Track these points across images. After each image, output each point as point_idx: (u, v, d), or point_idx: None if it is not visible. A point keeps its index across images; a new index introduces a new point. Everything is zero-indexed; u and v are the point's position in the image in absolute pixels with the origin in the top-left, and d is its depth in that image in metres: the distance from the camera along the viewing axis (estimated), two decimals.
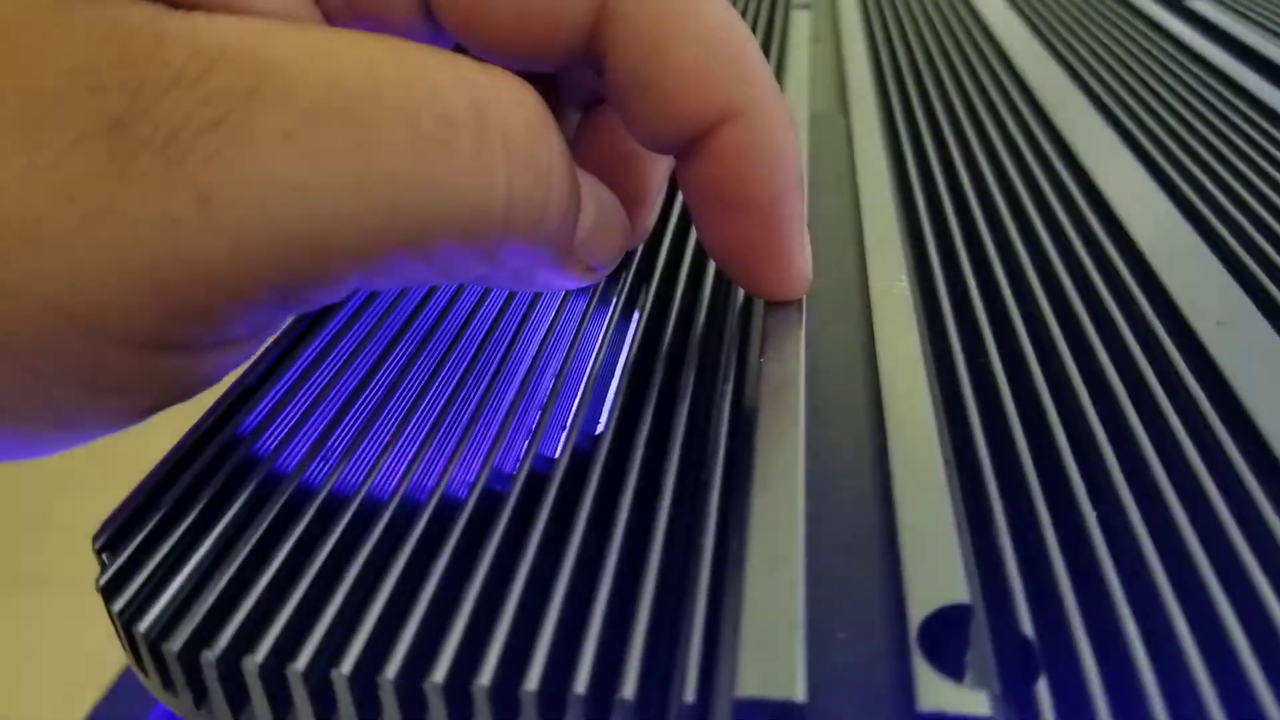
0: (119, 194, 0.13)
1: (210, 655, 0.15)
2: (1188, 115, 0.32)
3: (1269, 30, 0.40)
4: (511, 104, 0.15)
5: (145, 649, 0.15)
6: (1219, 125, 0.31)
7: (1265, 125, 0.31)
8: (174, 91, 0.13)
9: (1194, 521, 0.15)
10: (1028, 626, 0.14)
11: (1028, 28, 0.42)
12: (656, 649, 0.14)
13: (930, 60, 0.38)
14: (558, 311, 0.23)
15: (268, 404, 0.20)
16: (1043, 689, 0.13)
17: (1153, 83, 0.35)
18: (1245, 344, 0.20)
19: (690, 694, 0.13)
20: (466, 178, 0.14)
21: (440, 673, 0.14)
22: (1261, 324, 0.21)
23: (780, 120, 0.17)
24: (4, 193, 0.13)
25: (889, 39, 0.41)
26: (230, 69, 0.13)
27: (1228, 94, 0.34)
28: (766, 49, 0.39)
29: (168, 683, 0.15)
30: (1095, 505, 0.16)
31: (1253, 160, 0.29)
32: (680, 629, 0.15)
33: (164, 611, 0.15)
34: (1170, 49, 0.39)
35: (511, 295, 0.24)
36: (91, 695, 0.53)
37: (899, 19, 0.44)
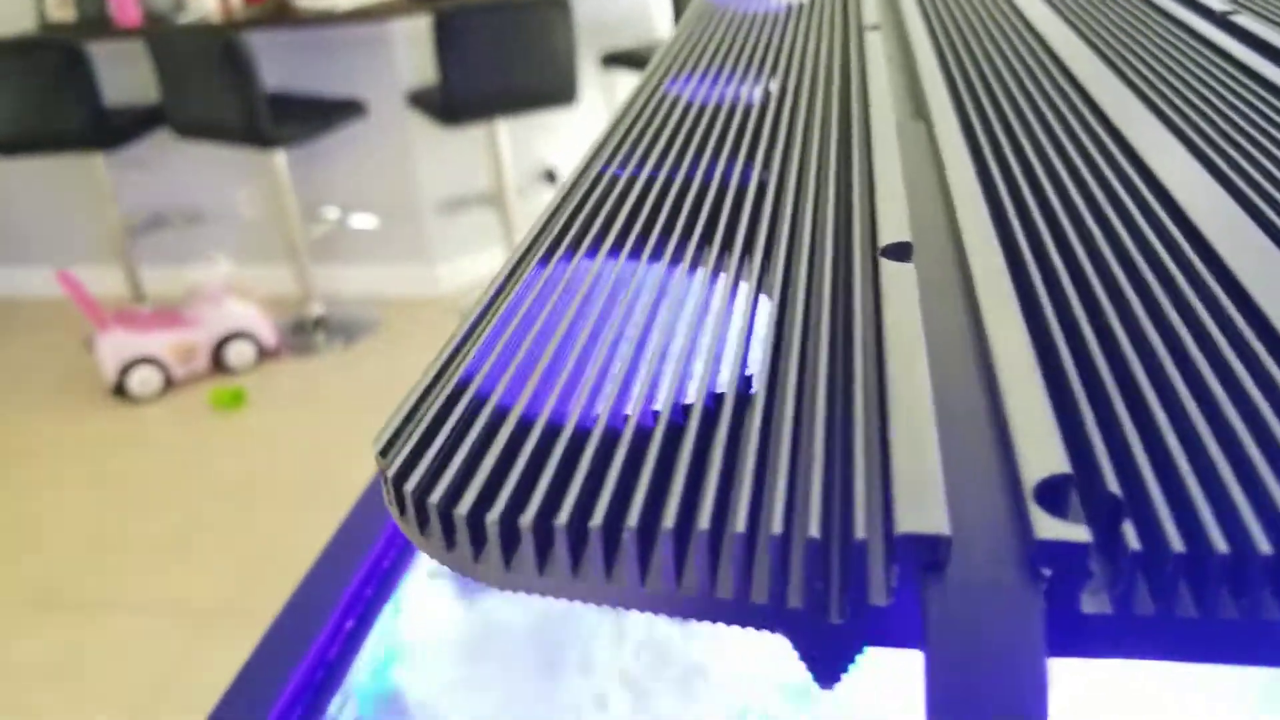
0: None
1: (461, 510, 0.19)
2: (1222, 106, 0.36)
3: None
4: None
5: (433, 513, 0.20)
6: (1248, 113, 0.36)
7: None
8: None
9: (1231, 397, 0.20)
10: (1113, 486, 0.18)
11: (1079, 37, 0.47)
12: (830, 505, 0.19)
13: (996, 70, 0.43)
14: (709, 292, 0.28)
15: (486, 351, 0.25)
16: (1129, 529, 0.17)
17: (1192, 81, 0.39)
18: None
19: (860, 531, 0.18)
20: None
21: (652, 518, 0.19)
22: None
23: None
24: None
25: (956, 53, 0.46)
26: None
27: (1258, 89, 0.38)
28: (847, 68, 0.44)
29: (452, 544, 0.20)
30: (1158, 392, 0.20)
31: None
32: (849, 493, 0.19)
33: (448, 487, 0.20)
34: (1209, 54, 0.43)
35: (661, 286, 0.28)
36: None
37: (963, 35, 0.48)
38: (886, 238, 0.28)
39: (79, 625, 1.51)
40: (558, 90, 2.36)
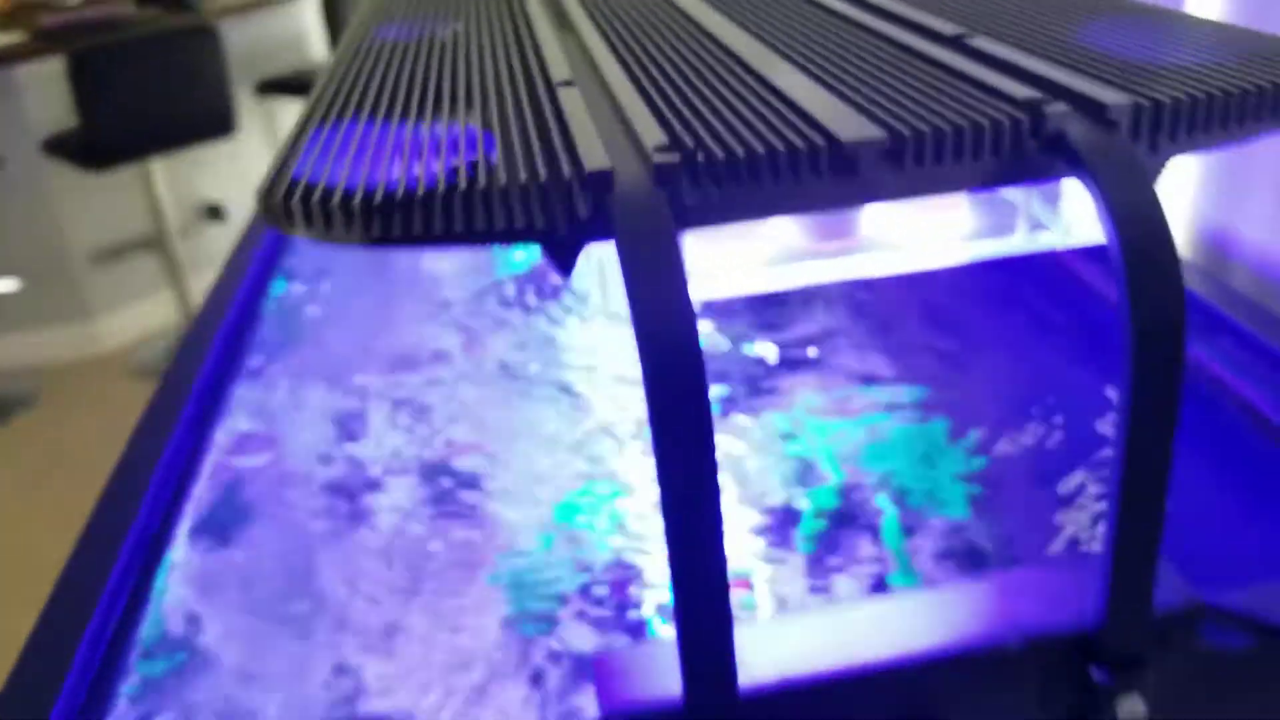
0: None
1: (314, 200, 0.32)
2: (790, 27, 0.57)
3: None
4: None
5: (299, 203, 0.33)
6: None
7: None
8: None
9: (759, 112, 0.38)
10: (688, 144, 0.35)
11: None
12: (553, 167, 0.34)
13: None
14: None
15: (315, 139, 0.37)
16: (699, 154, 0.34)
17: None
18: None
19: (566, 173, 0.33)
20: None
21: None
22: None
23: None
24: None
25: None
26: None
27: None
28: (513, 7, 0.60)
29: (290, 219, 0.33)
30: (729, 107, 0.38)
31: None
32: (561, 160, 0.34)
33: (320, 194, 0.33)
34: None
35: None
36: None
37: None
38: (556, 78, 0.44)
39: None
40: (213, 122, 2.34)
